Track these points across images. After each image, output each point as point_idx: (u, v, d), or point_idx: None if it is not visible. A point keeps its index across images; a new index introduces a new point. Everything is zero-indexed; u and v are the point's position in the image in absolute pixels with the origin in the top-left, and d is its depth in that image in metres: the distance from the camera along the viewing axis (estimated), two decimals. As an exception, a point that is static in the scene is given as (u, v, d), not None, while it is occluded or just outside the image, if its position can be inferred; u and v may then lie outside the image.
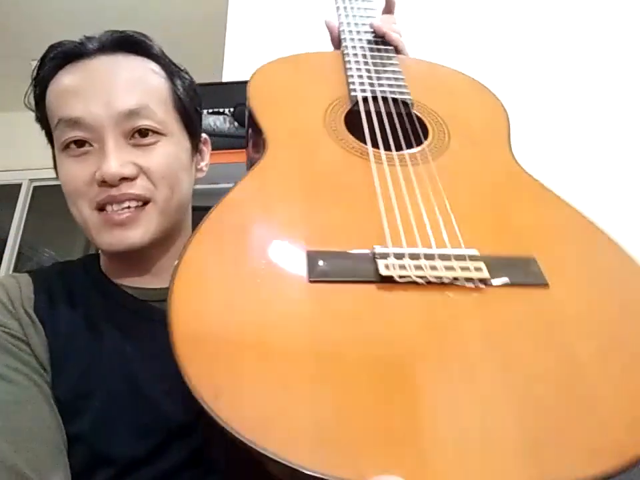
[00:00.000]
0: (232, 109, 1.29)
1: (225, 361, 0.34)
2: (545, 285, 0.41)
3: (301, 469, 0.28)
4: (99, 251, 0.64)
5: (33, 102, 0.61)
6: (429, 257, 0.41)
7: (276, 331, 0.36)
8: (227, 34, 1.71)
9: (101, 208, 0.55)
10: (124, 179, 0.54)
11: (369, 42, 0.71)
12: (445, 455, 0.30)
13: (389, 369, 0.34)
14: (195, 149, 0.65)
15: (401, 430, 0.31)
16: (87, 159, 0.56)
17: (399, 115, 0.60)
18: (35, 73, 0.60)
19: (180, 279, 0.40)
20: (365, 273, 0.39)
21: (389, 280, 0.39)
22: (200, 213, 0.50)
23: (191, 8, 2.63)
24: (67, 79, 0.57)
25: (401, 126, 0.58)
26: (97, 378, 0.54)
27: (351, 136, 0.57)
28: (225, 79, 1.60)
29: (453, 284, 0.39)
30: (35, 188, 3.25)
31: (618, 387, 0.35)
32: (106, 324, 0.57)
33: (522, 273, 0.42)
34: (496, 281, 0.41)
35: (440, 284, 0.39)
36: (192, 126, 0.63)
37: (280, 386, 0.33)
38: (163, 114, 0.58)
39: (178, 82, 0.63)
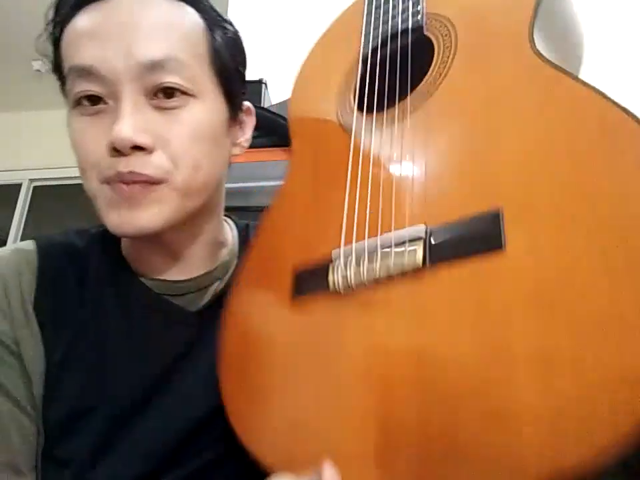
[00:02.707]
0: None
1: (236, 370, 0.45)
2: (498, 247, 0.32)
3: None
4: None
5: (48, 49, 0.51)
6: (370, 253, 0.39)
7: (263, 347, 0.44)
8: (227, 34, 1.71)
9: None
10: (137, 147, 0.44)
11: None
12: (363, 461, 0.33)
13: (331, 382, 0.38)
14: (234, 118, 0.53)
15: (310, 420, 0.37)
16: (100, 119, 0.45)
17: (411, 48, 0.51)
18: (52, 13, 0.48)
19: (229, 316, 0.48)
20: (322, 285, 0.41)
21: (339, 291, 0.40)
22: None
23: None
24: (84, 19, 0.46)
25: (406, 67, 0.50)
26: (100, 393, 0.48)
27: (355, 110, 0.52)
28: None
29: (390, 281, 0.37)
30: (35, 188, 3.25)
31: (543, 400, 0.28)
32: (116, 325, 0.50)
33: (472, 239, 0.34)
34: (429, 265, 0.36)
35: (379, 283, 0.38)
36: (231, 89, 0.51)
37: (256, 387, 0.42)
38: (195, 70, 0.47)
39: (218, 33, 0.50)
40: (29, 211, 3.19)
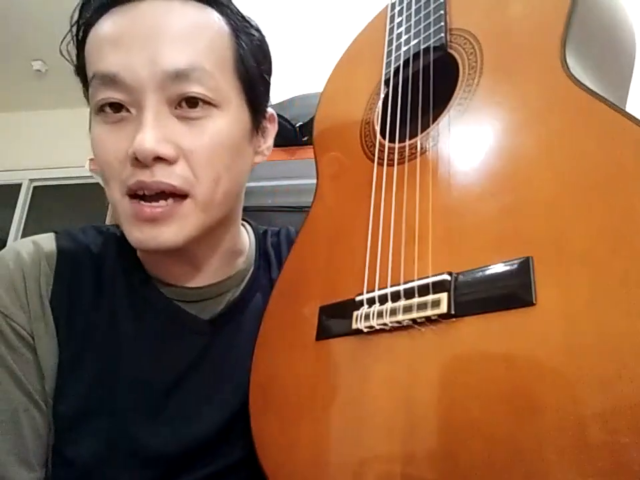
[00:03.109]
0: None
1: (263, 409, 0.46)
2: (529, 303, 0.30)
3: None
4: None
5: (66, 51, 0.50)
6: (394, 297, 0.38)
7: (286, 390, 0.44)
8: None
9: (133, 195, 0.45)
10: (159, 159, 0.43)
11: None
12: None
13: (353, 432, 0.37)
14: (257, 127, 0.52)
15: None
16: (123, 127, 0.45)
17: (435, 67, 0.49)
18: (76, 14, 0.48)
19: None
20: (345, 326, 0.41)
21: (360, 332, 0.39)
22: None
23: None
24: (108, 24, 0.45)
25: (429, 90, 0.48)
26: (109, 396, 0.48)
27: (378, 135, 0.50)
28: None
29: (412, 326, 0.36)
30: (35, 188, 3.26)
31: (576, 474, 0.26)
32: (129, 329, 0.50)
33: (500, 292, 0.32)
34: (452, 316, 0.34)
35: (402, 327, 0.37)
36: (255, 98, 0.51)
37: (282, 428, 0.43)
38: (219, 79, 0.46)
39: (244, 39, 0.49)
40: (29, 210, 3.19)
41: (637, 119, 0.31)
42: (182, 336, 0.51)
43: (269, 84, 0.54)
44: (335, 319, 0.42)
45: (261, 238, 0.61)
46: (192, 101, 0.45)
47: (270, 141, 0.56)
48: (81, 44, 0.48)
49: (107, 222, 1.25)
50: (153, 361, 0.49)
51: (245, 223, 0.60)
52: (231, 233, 0.55)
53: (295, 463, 0.40)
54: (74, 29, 0.48)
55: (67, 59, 0.50)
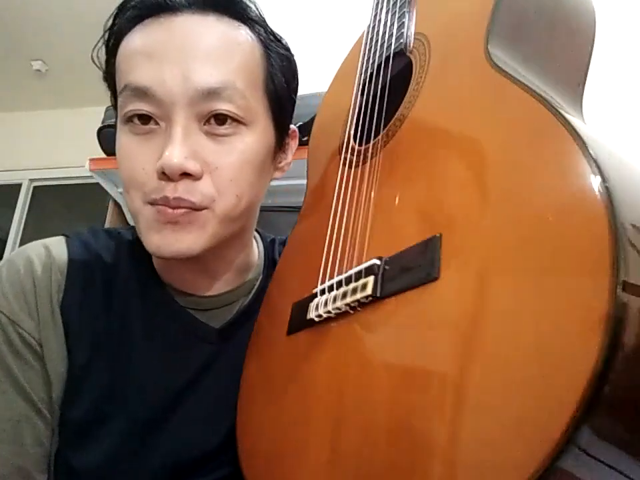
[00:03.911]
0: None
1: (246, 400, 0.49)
2: (433, 279, 0.31)
3: None
4: None
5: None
6: (338, 286, 0.40)
7: (259, 387, 0.47)
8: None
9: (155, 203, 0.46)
10: (185, 174, 0.44)
11: None
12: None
13: (296, 409, 0.40)
14: (280, 144, 0.53)
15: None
16: (150, 139, 0.45)
17: (401, 71, 0.50)
18: (110, 21, 0.48)
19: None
20: (304, 318, 0.43)
21: (313, 322, 0.41)
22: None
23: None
24: (142, 36, 0.46)
25: (397, 93, 0.49)
26: (118, 403, 0.48)
27: (350, 139, 0.53)
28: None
29: (349, 312, 0.38)
30: (35, 188, 3.26)
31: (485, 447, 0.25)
32: (140, 336, 0.50)
33: (413, 268, 0.33)
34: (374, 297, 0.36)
35: (343, 314, 0.39)
36: (281, 116, 0.51)
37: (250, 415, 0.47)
38: (249, 98, 0.47)
39: (274, 58, 0.50)
40: (29, 210, 3.19)
41: (539, 96, 0.31)
42: (193, 343, 0.51)
43: (294, 102, 0.54)
44: (299, 313, 0.44)
45: (268, 247, 0.62)
46: (221, 118, 0.45)
47: (290, 156, 0.56)
48: (112, 51, 0.48)
49: (107, 222, 1.25)
50: (163, 367, 0.50)
51: (255, 232, 0.61)
52: (244, 245, 0.56)
53: (261, 458, 0.42)
54: (106, 35, 0.48)
55: (97, 66, 0.50)
